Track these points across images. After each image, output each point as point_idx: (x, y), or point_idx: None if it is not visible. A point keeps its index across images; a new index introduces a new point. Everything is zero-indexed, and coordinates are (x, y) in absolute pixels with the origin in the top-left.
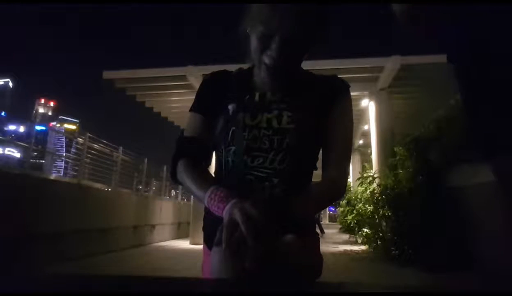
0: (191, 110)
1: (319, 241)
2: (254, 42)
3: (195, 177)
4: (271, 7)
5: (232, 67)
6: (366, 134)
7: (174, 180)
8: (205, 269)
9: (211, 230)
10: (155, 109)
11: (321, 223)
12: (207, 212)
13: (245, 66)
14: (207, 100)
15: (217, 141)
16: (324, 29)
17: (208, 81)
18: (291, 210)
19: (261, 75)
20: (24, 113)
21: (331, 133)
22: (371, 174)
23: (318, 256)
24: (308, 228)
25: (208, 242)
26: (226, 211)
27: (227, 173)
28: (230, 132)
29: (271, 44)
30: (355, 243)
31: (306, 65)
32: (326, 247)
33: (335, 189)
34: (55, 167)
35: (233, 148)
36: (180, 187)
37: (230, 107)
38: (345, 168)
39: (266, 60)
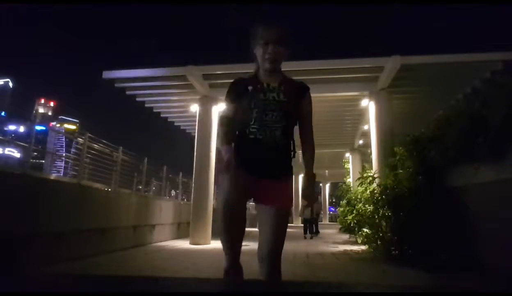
0: (227, 99)
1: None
2: (259, 51)
3: (223, 139)
4: (266, 29)
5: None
6: (366, 134)
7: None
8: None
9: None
10: (155, 109)
11: (320, 223)
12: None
13: (252, 70)
14: (235, 93)
15: (243, 111)
16: (291, 43)
17: (236, 82)
18: (311, 172)
19: (264, 73)
20: (24, 113)
21: (303, 115)
22: (371, 174)
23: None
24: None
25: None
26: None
27: (252, 124)
28: (253, 103)
29: (268, 48)
30: (355, 243)
31: (311, 64)
32: (326, 247)
33: (312, 143)
34: (55, 167)
35: (255, 111)
36: (180, 187)
37: (250, 91)
38: (312, 131)
39: (267, 56)
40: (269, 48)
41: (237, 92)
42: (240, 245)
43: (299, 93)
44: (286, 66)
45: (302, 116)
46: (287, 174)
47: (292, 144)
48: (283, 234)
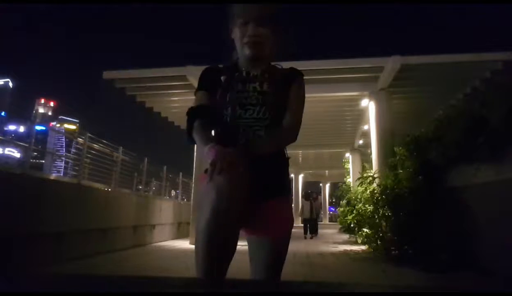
0: (196, 90)
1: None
2: (237, 34)
3: (201, 135)
4: (244, 4)
5: None
6: (366, 134)
7: (189, 139)
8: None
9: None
10: (155, 109)
11: (320, 223)
12: None
13: (229, 63)
14: (208, 81)
15: (218, 105)
16: (280, 24)
17: (206, 70)
18: (255, 151)
19: (245, 62)
20: (24, 113)
21: (290, 100)
22: (371, 174)
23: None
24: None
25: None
26: (211, 155)
27: (226, 124)
28: (228, 95)
29: (248, 29)
30: (355, 243)
31: (311, 64)
32: (326, 247)
33: (289, 132)
34: (55, 167)
35: (230, 106)
36: (180, 187)
37: (225, 81)
38: (298, 120)
39: (246, 40)
40: (249, 29)
41: (208, 82)
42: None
43: (288, 79)
44: (284, 66)
45: (289, 103)
46: (283, 190)
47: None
48: (280, 270)
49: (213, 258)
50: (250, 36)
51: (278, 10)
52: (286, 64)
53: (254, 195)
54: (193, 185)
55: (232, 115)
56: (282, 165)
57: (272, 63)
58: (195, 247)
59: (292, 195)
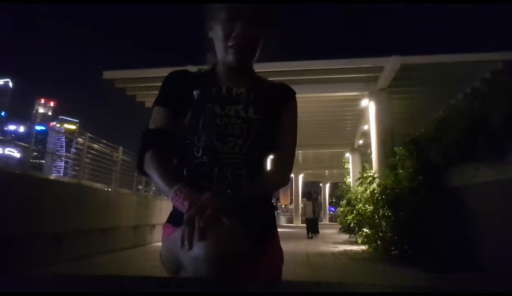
0: (154, 104)
1: (278, 235)
2: (217, 33)
3: (162, 171)
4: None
5: None
6: (366, 134)
7: (141, 172)
8: (166, 241)
9: (177, 213)
10: None
11: (321, 223)
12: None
13: (205, 67)
14: (173, 94)
15: (185, 132)
16: (275, 24)
17: (172, 77)
18: (241, 201)
19: (225, 71)
20: (24, 113)
21: (282, 131)
22: (371, 174)
23: (276, 249)
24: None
25: (172, 221)
26: (186, 210)
27: (194, 160)
28: (201, 121)
29: (236, 28)
30: (355, 243)
31: (311, 64)
32: (326, 247)
33: (281, 175)
34: (55, 167)
35: (204, 135)
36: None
37: (198, 98)
38: (291, 158)
39: (231, 42)
40: (236, 27)
41: (173, 95)
42: None
43: (279, 102)
44: (283, 67)
45: (280, 133)
46: (269, 238)
47: None
48: None
49: None
50: (238, 36)
51: (276, 8)
52: (287, 65)
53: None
54: None
55: (206, 149)
56: (264, 209)
57: (257, 74)
58: None
59: (279, 241)
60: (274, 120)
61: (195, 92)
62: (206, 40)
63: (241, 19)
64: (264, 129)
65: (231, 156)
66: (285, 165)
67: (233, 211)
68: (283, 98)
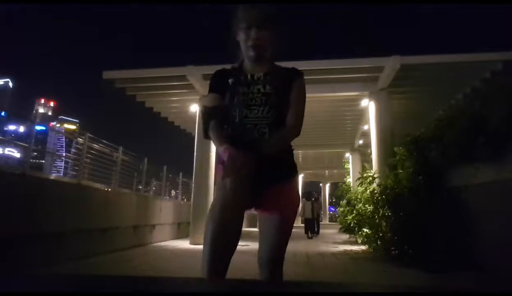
0: (209, 91)
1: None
2: (241, 37)
3: (217, 135)
4: (246, 10)
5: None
6: (366, 134)
7: (206, 136)
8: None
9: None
10: (155, 109)
11: (321, 223)
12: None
13: (235, 65)
14: (218, 84)
15: (227, 106)
16: (279, 26)
17: (216, 73)
18: (264, 149)
19: (248, 62)
20: (24, 113)
21: (293, 99)
22: (371, 174)
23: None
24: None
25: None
26: (225, 156)
27: (234, 124)
28: (235, 98)
29: (251, 33)
30: (355, 243)
31: (311, 64)
32: (326, 247)
33: (293, 129)
34: (55, 167)
35: (238, 108)
36: (180, 187)
37: (232, 85)
38: (300, 116)
39: (250, 43)
40: (251, 32)
41: (218, 85)
42: (227, 263)
43: (288, 80)
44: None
45: (291, 103)
46: (289, 174)
47: None
48: (286, 243)
49: (220, 244)
50: (253, 39)
51: (276, 12)
52: (287, 64)
53: (264, 181)
54: (193, 185)
55: (239, 116)
56: (286, 152)
57: (275, 64)
58: (204, 233)
59: (298, 178)
60: (285, 92)
61: (230, 81)
62: (235, 43)
63: (253, 26)
64: (278, 99)
65: (256, 119)
66: (295, 121)
67: (256, 159)
68: (292, 76)
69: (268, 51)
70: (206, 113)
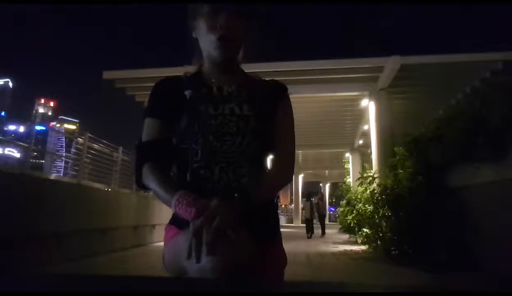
0: (145, 116)
1: (281, 239)
2: (202, 27)
3: (161, 181)
4: None
5: None
6: (366, 134)
7: (141, 186)
8: (169, 247)
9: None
10: None
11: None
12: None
13: (191, 68)
14: (162, 103)
15: (182, 138)
16: (259, 17)
17: (159, 86)
18: (250, 206)
19: (211, 67)
20: (24, 113)
21: (280, 128)
22: (371, 174)
23: (280, 253)
24: (270, 228)
25: (175, 223)
26: (187, 213)
27: (194, 164)
28: (196, 124)
29: (218, 20)
30: (355, 243)
31: (311, 64)
32: (326, 247)
33: (285, 171)
34: (55, 167)
35: (201, 138)
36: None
37: (190, 102)
38: (292, 153)
39: (215, 36)
40: (220, 19)
41: (162, 104)
42: None
43: (272, 97)
44: (282, 67)
45: (278, 131)
46: (272, 235)
47: None
48: None
49: None
50: (221, 27)
51: (260, 7)
52: (287, 65)
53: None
54: None
55: (204, 150)
56: (267, 208)
57: (247, 72)
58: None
59: (281, 238)
60: (269, 116)
61: (187, 94)
62: (191, 42)
63: (224, 12)
64: (260, 125)
65: (230, 154)
66: (288, 163)
67: (241, 217)
68: (275, 94)
69: (238, 52)
70: (140, 150)
